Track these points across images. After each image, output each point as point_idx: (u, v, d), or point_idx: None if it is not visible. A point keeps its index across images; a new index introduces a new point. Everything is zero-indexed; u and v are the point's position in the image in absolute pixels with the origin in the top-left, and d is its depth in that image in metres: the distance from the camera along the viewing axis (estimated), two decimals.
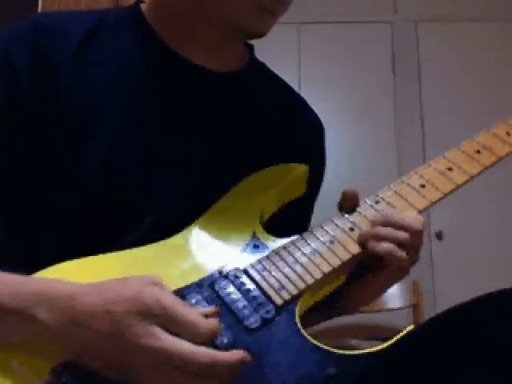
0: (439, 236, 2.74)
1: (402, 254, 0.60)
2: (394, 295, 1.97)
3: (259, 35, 0.71)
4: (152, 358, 0.46)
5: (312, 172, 0.75)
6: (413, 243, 0.62)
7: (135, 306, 0.47)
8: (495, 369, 0.40)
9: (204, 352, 0.46)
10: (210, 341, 0.49)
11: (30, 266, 0.55)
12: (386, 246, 0.60)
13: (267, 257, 0.61)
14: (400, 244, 0.61)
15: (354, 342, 1.97)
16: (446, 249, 2.73)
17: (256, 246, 0.63)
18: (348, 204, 0.66)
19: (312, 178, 0.76)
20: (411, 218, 0.63)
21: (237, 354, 0.48)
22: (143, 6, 0.77)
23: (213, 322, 0.49)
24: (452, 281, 2.63)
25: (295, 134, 0.80)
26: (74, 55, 0.68)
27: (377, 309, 1.97)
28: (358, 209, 0.66)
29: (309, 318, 0.62)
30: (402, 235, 0.61)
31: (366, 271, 0.65)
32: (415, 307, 1.99)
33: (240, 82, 0.77)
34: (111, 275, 0.53)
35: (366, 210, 0.65)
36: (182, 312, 0.48)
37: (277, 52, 2.81)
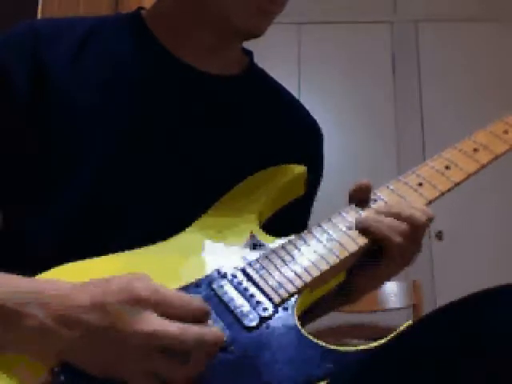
0: (439, 236, 2.75)
1: (399, 240, 0.61)
2: (394, 295, 1.97)
3: (257, 35, 0.72)
4: (142, 344, 0.47)
5: (310, 173, 0.75)
6: (410, 234, 0.62)
7: (125, 295, 0.49)
8: (494, 365, 0.40)
9: (191, 327, 0.48)
10: (203, 315, 0.50)
11: (28, 267, 0.56)
12: (383, 229, 0.61)
13: (265, 256, 0.61)
14: (400, 233, 0.62)
15: (354, 342, 1.97)
16: (446, 249, 2.73)
17: (254, 246, 0.63)
18: (360, 196, 0.66)
19: (310, 179, 0.76)
20: (418, 209, 0.64)
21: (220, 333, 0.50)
22: (144, 13, 0.77)
23: (199, 298, 0.52)
24: (452, 281, 2.63)
25: (293, 136, 0.81)
26: (71, 58, 0.68)
27: (377, 309, 1.96)
28: (356, 208, 0.66)
29: (309, 314, 0.62)
30: (401, 226, 0.62)
31: (367, 265, 0.66)
32: (415, 307, 1.98)
33: (239, 85, 0.78)
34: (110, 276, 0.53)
35: (364, 209, 0.66)
36: (171, 291, 0.50)
37: (277, 52, 2.82)
